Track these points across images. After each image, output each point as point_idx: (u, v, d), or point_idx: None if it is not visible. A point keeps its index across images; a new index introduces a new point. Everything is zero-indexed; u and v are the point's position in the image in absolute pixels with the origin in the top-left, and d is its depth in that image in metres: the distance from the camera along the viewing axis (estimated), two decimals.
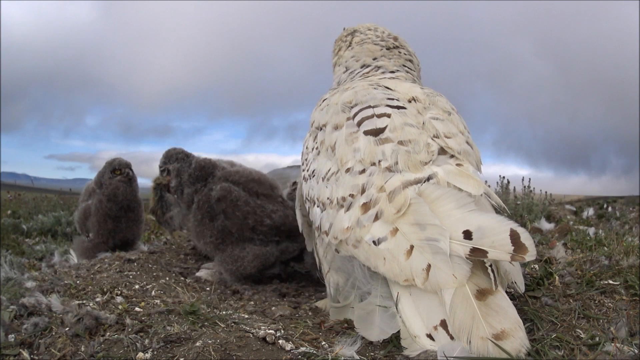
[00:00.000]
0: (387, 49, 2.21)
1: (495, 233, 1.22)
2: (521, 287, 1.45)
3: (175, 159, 2.75)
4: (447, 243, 1.24)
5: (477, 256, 1.22)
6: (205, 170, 2.68)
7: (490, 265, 1.24)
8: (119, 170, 3.00)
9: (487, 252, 1.20)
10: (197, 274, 2.61)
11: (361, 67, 2.19)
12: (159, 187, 2.82)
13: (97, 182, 3.05)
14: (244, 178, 2.62)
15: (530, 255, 1.18)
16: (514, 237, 1.20)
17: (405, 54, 2.23)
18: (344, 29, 2.42)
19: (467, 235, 1.24)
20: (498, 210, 1.52)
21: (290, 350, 1.36)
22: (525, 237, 1.20)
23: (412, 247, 1.29)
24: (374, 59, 2.19)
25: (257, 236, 2.53)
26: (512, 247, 1.19)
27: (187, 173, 2.68)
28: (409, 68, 2.19)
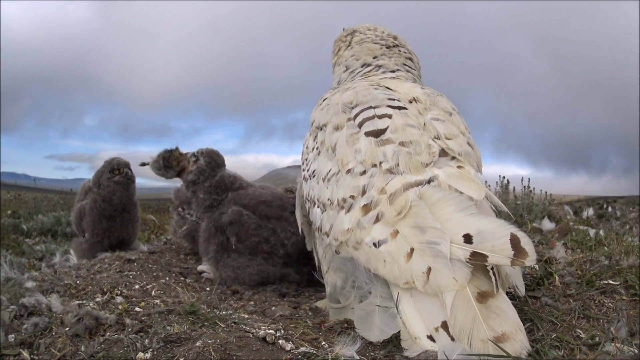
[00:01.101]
0: (387, 48, 2.21)
1: (496, 237, 1.21)
2: (521, 290, 1.45)
3: (207, 161, 2.71)
4: (447, 246, 1.23)
5: (477, 260, 1.21)
6: (225, 186, 2.68)
7: (492, 268, 1.24)
8: (118, 170, 2.98)
9: (487, 257, 1.20)
10: (199, 267, 2.62)
11: (361, 66, 2.19)
12: (174, 157, 2.77)
13: (95, 181, 3.02)
14: (254, 200, 2.61)
15: (530, 260, 1.18)
16: (514, 242, 1.19)
17: (405, 52, 2.23)
18: (344, 29, 2.42)
19: (468, 239, 1.24)
20: (498, 214, 1.52)
21: (290, 350, 1.36)
22: (526, 242, 1.20)
23: (412, 249, 1.29)
24: (375, 58, 2.19)
25: (271, 259, 2.55)
26: (513, 252, 1.18)
27: (208, 181, 2.68)
28: (409, 67, 2.19)
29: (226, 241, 2.54)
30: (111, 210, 2.96)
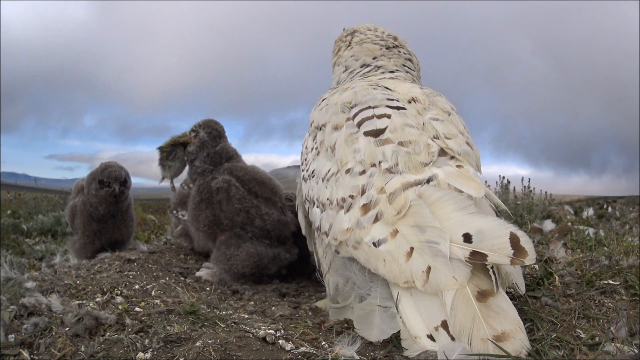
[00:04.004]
0: (386, 49, 2.21)
1: (495, 236, 1.21)
2: (522, 289, 1.45)
3: (208, 132, 2.70)
4: (447, 245, 1.24)
5: (476, 259, 1.22)
6: (221, 158, 2.67)
7: (492, 267, 1.24)
8: (108, 184, 2.75)
9: (486, 256, 1.20)
10: (197, 273, 2.61)
11: (361, 67, 2.19)
12: (180, 142, 2.74)
13: (87, 184, 2.85)
14: (248, 176, 2.61)
15: (530, 259, 1.18)
16: (514, 241, 1.19)
17: (404, 53, 2.23)
18: (344, 29, 2.43)
19: (467, 238, 1.24)
20: (498, 213, 1.52)
21: (290, 350, 1.36)
22: (525, 241, 1.20)
23: (412, 249, 1.29)
24: (374, 59, 2.19)
25: (247, 234, 2.53)
26: (512, 251, 1.19)
27: (206, 151, 2.67)
28: (408, 68, 2.19)
29: (215, 212, 2.53)
30: (99, 215, 2.83)
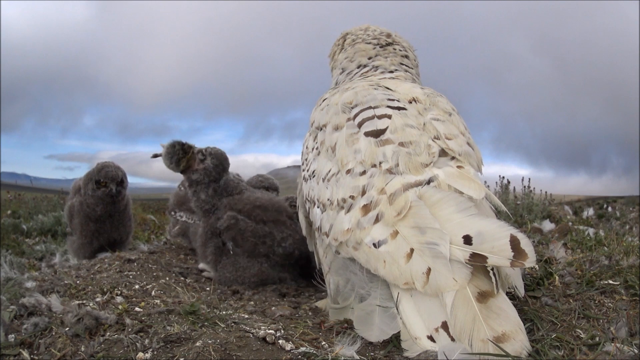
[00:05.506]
0: (380, 47, 2.19)
1: (495, 239, 1.21)
2: (521, 291, 1.45)
3: (215, 163, 2.61)
4: (447, 247, 1.24)
5: (476, 261, 1.22)
6: (225, 193, 2.61)
7: (492, 268, 1.24)
8: (104, 184, 2.77)
9: (486, 258, 1.20)
10: (200, 266, 2.62)
11: (357, 68, 2.18)
12: (179, 154, 2.60)
13: (84, 185, 2.86)
14: (248, 205, 2.57)
15: (530, 261, 1.18)
16: (514, 243, 1.19)
17: (400, 50, 2.21)
18: (340, 33, 2.43)
19: (467, 240, 1.24)
20: (498, 214, 1.52)
21: (290, 350, 1.36)
22: (525, 243, 1.20)
23: (412, 250, 1.29)
24: (369, 59, 2.17)
25: (269, 261, 2.53)
26: (512, 253, 1.18)
27: (212, 186, 2.59)
28: (406, 66, 2.17)
29: (222, 245, 2.53)
30: (96, 215, 2.84)
